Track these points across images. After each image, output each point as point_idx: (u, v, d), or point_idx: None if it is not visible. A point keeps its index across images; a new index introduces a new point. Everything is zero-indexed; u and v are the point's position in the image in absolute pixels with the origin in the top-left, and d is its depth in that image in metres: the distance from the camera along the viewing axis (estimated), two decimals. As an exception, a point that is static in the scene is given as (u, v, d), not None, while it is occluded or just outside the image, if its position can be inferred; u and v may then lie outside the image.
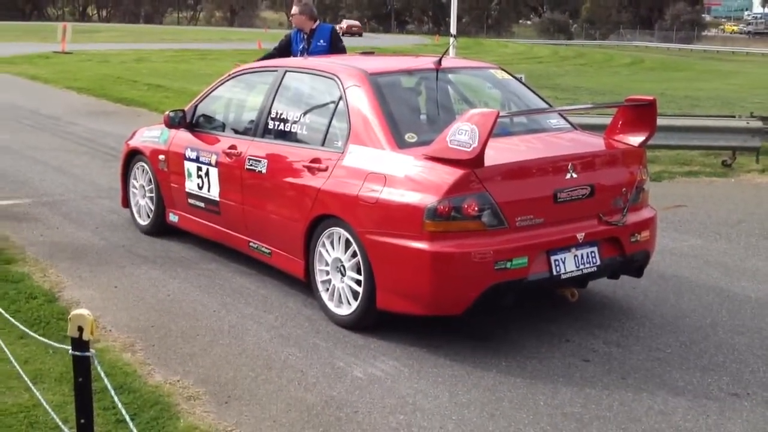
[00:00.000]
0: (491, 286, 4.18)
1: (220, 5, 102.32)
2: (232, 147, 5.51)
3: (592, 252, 4.51)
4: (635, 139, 4.85)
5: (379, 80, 4.87)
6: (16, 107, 14.63)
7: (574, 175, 4.43)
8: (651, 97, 4.92)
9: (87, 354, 2.16)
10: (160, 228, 6.41)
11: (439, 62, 5.18)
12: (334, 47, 8.04)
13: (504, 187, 4.25)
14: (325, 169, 4.76)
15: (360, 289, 4.54)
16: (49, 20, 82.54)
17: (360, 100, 4.78)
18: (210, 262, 5.85)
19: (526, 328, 4.68)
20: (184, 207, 6.09)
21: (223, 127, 5.93)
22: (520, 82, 5.67)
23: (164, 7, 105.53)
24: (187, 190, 5.98)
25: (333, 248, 4.72)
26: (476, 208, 4.14)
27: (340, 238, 4.66)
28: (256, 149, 5.32)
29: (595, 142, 4.95)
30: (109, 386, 2.22)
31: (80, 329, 2.14)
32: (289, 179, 5.01)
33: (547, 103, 5.50)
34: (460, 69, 5.73)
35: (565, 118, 5.26)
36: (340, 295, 4.72)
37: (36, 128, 12.25)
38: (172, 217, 6.26)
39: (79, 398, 2.22)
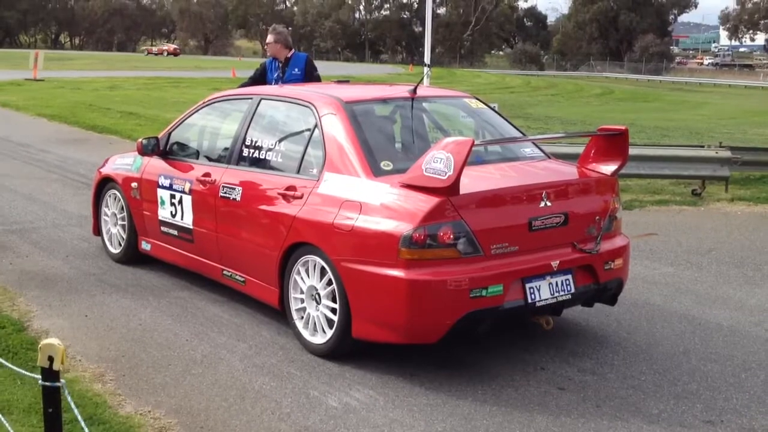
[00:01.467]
0: (467, 314, 4.17)
1: (194, 34, 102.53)
2: (206, 174, 5.48)
3: (566, 280, 4.53)
4: (608, 168, 4.91)
5: (355, 108, 4.89)
6: (-14, 134, 14.46)
7: (549, 204, 4.47)
8: (623, 127, 4.99)
9: (57, 384, 2.11)
10: (132, 256, 6.34)
11: (414, 91, 5.21)
12: (309, 76, 8.07)
13: (479, 215, 4.26)
14: (300, 197, 4.74)
15: (335, 318, 4.51)
16: (21, 47, 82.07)
17: (335, 128, 4.78)
18: (182, 291, 5.78)
19: (501, 356, 4.67)
20: (156, 235, 6.04)
21: (197, 154, 5.90)
22: (494, 110, 5.73)
23: (138, 35, 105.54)
24: (160, 218, 5.93)
25: (308, 276, 4.69)
26: (451, 236, 4.14)
27: (315, 266, 4.63)
28: (230, 177, 5.30)
29: (568, 171, 5.00)
30: (79, 417, 2.18)
31: (50, 359, 2.10)
32: (264, 207, 4.99)
33: (521, 132, 5.55)
34: (434, 98, 5.77)
35: (538, 147, 5.30)
36: (315, 324, 4.68)
37: (6, 155, 12.11)
38: (145, 245, 6.20)
39: (49, 429, 2.17)
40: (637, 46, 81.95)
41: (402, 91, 5.33)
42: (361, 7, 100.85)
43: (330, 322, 4.56)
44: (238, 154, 5.36)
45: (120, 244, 6.45)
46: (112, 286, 5.87)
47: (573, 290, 4.55)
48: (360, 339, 4.43)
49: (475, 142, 4.22)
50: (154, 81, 32.22)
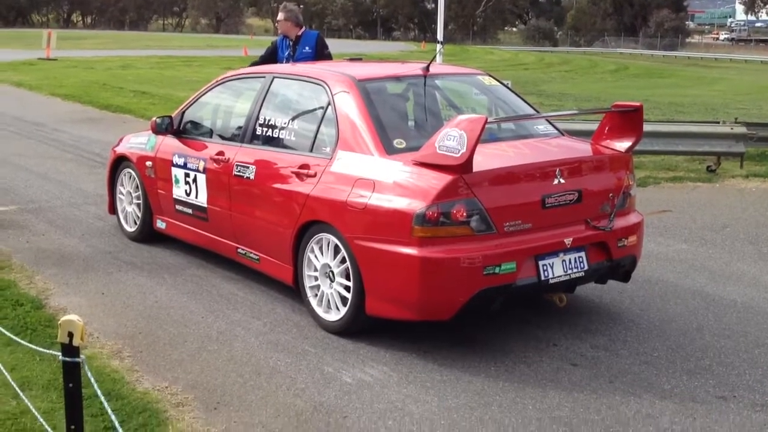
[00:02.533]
0: (480, 291, 4.20)
1: (206, 12, 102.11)
2: (220, 153, 5.51)
3: (579, 257, 4.54)
4: (622, 145, 4.89)
5: (368, 86, 4.89)
6: (1, 114, 14.54)
7: (562, 181, 4.47)
8: (637, 103, 4.96)
9: (77, 360, 2.15)
10: (147, 235, 6.39)
11: (427, 68, 5.20)
12: (320, 54, 8.04)
13: (492, 192, 4.27)
14: (314, 175, 4.76)
15: (349, 295, 4.54)
16: (34, 27, 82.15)
17: (348, 106, 4.79)
18: (197, 269, 5.83)
19: (514, 333, 4.70)
20: (171, 213, 6.08)
21: (210, 133, 5.93)
22: (507, 87, 5.70)
23: (149, 14, 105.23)
24: (174, 196, 5.97)
25: (322, 254, 4.73)
26: (465, 214, 4.15)
27: (329, 243, 4.66)
28: (244, 155, 5.32)
29: (582, 148, 4.98)
30: (98, 392, 2.22)
31: (70, 335, 2.13)
32: (278, 185, 5.01)
33: (535, 109, 5.53)
34: (447, 75, 5.77)
35: (552, 124, 5.29)
36: (328, 301, 4.72)
37: (21, 135, 12.17)
38: (160, 224, 6.25)
39: (69, 404, 2.21)
40: (652, 22, 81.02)
41: (415, 68, 5.32)
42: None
43: (344, 300, 4.60)
44: (251, 133, 5.38)
45: (135, 223, 6.50)
46: (127, 264, 5.93)
47: (586, 267, 4.56)
48: (373, 316, 4.47)
49: (488, 120, 4.21)
50: (167, 60, 32.23)
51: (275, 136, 5.22)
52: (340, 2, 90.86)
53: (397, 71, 5.54)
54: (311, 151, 4.93)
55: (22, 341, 3.22)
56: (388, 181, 4.35)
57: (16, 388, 3.37)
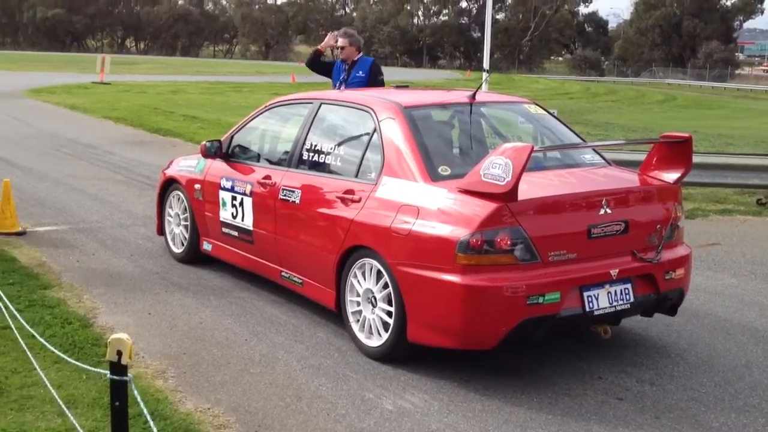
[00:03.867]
0: (523, 321, 4.17)
1: (255, 39, 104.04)
2: (267, 177, 5.59)
3: (625, 289, 4.47)
4: (670, 176, 4.83)
5: (413, 113, 4.93)
6: (56, 136, 14.95)
7: (608, 211, 4.43)
8: (687, 134, 4.91)
9: (125, 378, 2.19)
10: (193, 256, 6.48)
11: (473, 96, 5.24)
12: (373, 80, 8.13)
13: (537, 221, 4.25)
14: (359, 200, 4.80)
15: (391, 321, 4.54)
16: (89, 51, 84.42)
17: (394, 132, 4.83)
18: (242, 291, 5.89)
19: (558, 364, 4.64)
20: (217, 235, 6.17)
21: (258, 157, 6.02)
22: (554, 116, 5.69)
23: (201, 40, 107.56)
24: (221, 219, 6.06)
25: (364, 279, 4.74)
26: (509, 242, 4.14)
27: (371, 269, 4.68)
28: (290, 180, 5.39)
29: (629, 178, 4.95)
30: (145, 411, 2.25)
31: (119, 353, 2.17)
32: (323, 210, 5.06)
33: (581, 138, 5.51)
34: (494, 103, 5.80)
35: (599, 154, 5.27)
36: (370, 327, 4.73)
37: (74, 157, 12.49)
38: (206, 246, 6.34)
39: (116, 423, 2.25)
40: (701, 53, 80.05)
41: (461, 96, 5.36)
42: (420, 13, 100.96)
43: (386, 325, 4.60)
44: (298, 158, 5.46)
45: (182, 244, 6.60)
46: (174, 285, 6.02)
47: (632, 300, 4.50)
48: (415, 343, 4.46)
49: (534, 148, 4.20)
50: (216, 86, 32.83)
51: (321, 161, 5.28)
52: (387, 30, 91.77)
53: (443, 99, 5.61)
54: (356, 176, 4.97)
55: (70, 359, 3.28)
56: (432, 207, 4.37)
57: (62, 406, 3.43)
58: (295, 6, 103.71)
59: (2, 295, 3.69)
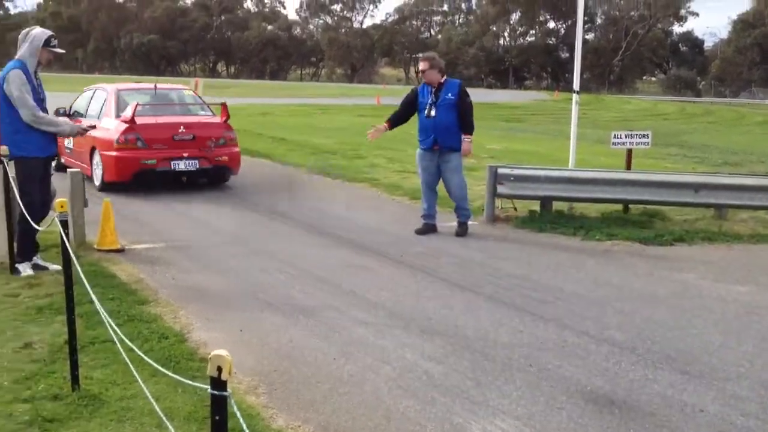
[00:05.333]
0: (139, 170, 10.62)
1: (341, 62, 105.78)
2: (77, 122, 11.11)
3: (194, 162, 10.84)
4: (221, 120, 11.75)
5: (121, 92, 11.60)
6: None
7: (184, 130, 10.85)
8: (222, 101, 10.81)
9: (225, 394, 2.22)
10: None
11: (155, 85, 12.13)
12: (462, 101, 8.14)
13: (147, 131, 10.63)
14: (95, 127, 9.61)
15: (100, 172, 11.03)
16: (182, 75, 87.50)
17: (111, 99, 11.45)
18: (330, 311, 5.94)
19: (656, 396, 4.47)
20: (64, 153, 12.57)
21: (78, 114, 12.21)
22: (198, 97, 12.79)
23: (288, 64, 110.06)
24: (65, 145, 12.34)
25: (96, 159, 11.38)
26: (133, 140, 10.55)
27: (97, 153, 11.14)
28: (85, 122, 10.77)
29: (206, 121, 11.45)
30: (244, 426, 2.28)
31: (219, 369, 2.21)
32: (89, 133, 8.50)
33: (212, 111, 11.99)
34: (164, 89, 12.53)
35: (210, 110, 11.89)
36: (99, 175, 11.29)
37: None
38: (62, 159, 12.12)
39: (214, 437, 2.28)
40: (804, 72, 76.82)
41: (150, 85, 12.29)
42: (506, 34, 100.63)
43: (101, 176, 11.15)
44: (86, 112, 12.52)
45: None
46: (265, 303, 6.12)
47: (198, 167, 10.84)
48: (107, 182, 10.87)
49: (139, 103, 10.80)
50: (303, 108, 33.47)
51: (93, 114, 11.68)
52: (472, 52, 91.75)
53: (139, 87, 12.47)
54: (98, 117, 11.20)
55: (168, 372, 3.35)
56: (112, 127, 10.77)
57: (163, 418, 3.51)
58: (381, 29, 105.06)
59: (103, 310, 3.82)
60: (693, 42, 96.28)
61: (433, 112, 8.40)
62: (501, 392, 4.45)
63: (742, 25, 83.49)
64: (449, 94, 8.16)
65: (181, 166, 10.63)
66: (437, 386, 4.58)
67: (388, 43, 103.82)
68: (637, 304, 6.32)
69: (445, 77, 8.21)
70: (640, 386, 4.57)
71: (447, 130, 8.43)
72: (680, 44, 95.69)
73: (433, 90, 8.15)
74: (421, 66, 8.28)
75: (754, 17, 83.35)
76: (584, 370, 4.83)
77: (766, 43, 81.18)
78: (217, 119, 11.49)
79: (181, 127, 10.78)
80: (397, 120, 8.74)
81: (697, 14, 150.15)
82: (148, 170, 10.50)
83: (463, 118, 8.41)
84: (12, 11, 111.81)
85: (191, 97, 12.55)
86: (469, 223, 8.98)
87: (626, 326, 5.72)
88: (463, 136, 8.47)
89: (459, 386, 4.57)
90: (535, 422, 4.12)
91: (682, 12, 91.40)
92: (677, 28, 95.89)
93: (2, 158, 6.54)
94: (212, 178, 11.30)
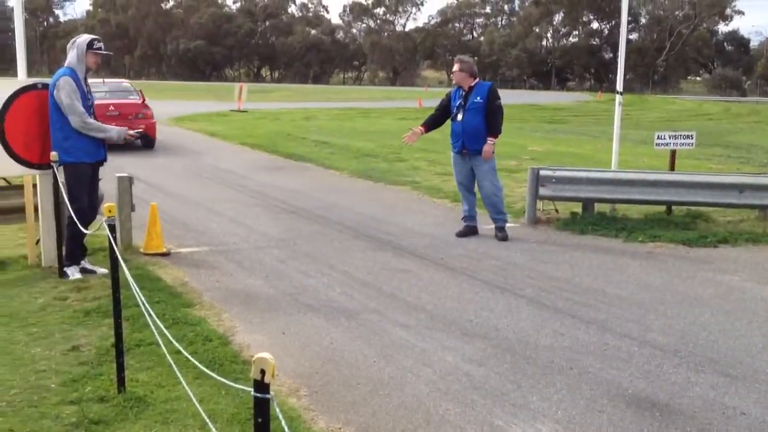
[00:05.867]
0: None
1: (384, 66, 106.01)
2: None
3: (125, 129, 8.71)
4: (140, 100, 17.37)
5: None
6: (197, 161, 15.78)
7: (113, 108, 16.27)
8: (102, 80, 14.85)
9: (267, 396, 2.27)
10: None
11: (104, 80, 18.52)
12: (491, 104, 8.14)
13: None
14: None
15: None
16: (227, 81, 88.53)
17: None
18: (370, 314, 5.99)
19: (697, 399, 4.43)
20: None
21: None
22: (136, 90, 18.09)
23: (331, 68, 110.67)
24: None
25: None
26: None
27: None
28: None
29: (130, 102, 17.37)
30: (286, 429, 2.34)
31: (262, 372, 2.26)
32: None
33: (141, 96, 17.72)
34: (110, 81, 19.12)
35: (141, 95, 17.97)
36: None
37: (214, 181, 13.13)
38: None
39: (256, 438, 2.34)
40: None
41: (99, 80, 17.68)
42: (549, 35, 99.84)
43: None
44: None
45: None
46: (306, 306, 6.20)
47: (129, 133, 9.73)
48: None
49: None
50: (346, 112, 33.65)
51: None
52: (515, 54, 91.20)
53: (93, 81, 12.14)
54: None
55: (213, 374, 3.43)
56: None
57: (207, 420, 3.60)
58: (423, 32, 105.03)
59: (152, 312, 3.92)
60: (738, 41, 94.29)
61: (460, 116, 8.42)
62: (541, 395, 4.45)
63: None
64: (478, 98, 8.17)
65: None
66: (477, 389, 4.60)
67: (430, 46, 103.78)
68: (680, 306, 6.26)
69: (476, 80, 8.20)
70: (681, 389, 4.53)
71: (474, 134, 8.42)
72: (725, 43, 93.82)
73: (464, 93, 8.15)
74: (454, 67, 8.31)
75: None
76: (625, 372, 4.81)
77: (817, 40, 79.07)
78: (138, 100, 17.59)
79: (111, 106, 16.18)
80: (432, 123, 8.77)
81: (742, 13, 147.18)
82: None
83: (489, 120, 8.40)
84: (62, 19, 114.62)
85: (125, 87, 18.96)
86: (511, 225, 8.95)
87: (669, 329, 5.67)
88: (487, 138, 8.45)
89: (499, 389, 4.58)
90: (576, 425, 4.12)
91: (728, 11, 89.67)
92: (722, 27, 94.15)
93: (52, 164, 6.75)
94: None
